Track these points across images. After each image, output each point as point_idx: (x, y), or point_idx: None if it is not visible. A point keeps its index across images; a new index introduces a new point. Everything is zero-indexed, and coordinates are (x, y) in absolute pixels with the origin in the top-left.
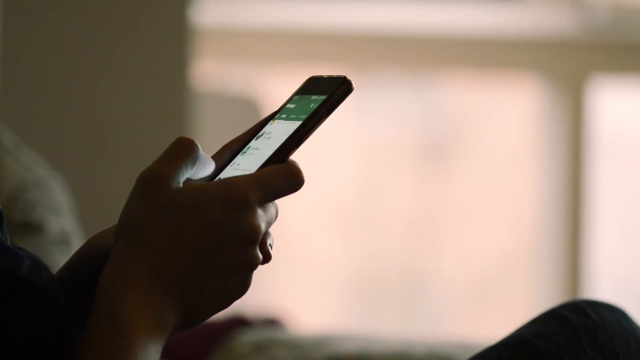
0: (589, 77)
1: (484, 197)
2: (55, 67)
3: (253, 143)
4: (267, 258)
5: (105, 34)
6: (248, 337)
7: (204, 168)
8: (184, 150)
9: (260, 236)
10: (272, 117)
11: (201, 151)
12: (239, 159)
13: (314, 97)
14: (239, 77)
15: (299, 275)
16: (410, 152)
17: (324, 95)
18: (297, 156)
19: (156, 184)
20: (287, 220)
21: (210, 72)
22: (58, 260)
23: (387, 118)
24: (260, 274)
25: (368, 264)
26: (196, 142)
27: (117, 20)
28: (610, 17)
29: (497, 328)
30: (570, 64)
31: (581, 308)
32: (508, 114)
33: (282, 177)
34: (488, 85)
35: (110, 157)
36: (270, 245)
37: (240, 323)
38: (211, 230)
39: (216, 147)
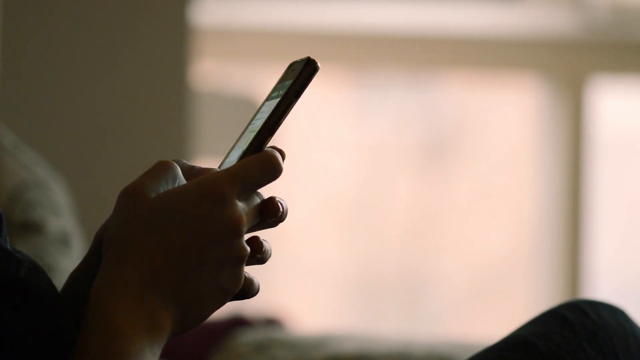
0: (589, 77)
1: (484, 197)
2: (55, 67)
3: (244, 133)
4: (259, 250)
5: (105, 34)
6: (248, 337)
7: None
8: (164, 168)
9: (244, 227)
10: (262, 105)
11: (180, 172)
12: (232, 152)
13: (287, 82)
14: (239, 77)
15: (299, 275)
16: (410, 152)
17: (292, 79)
18: (296, 156)
19: (136, 196)
20: (286, 220)
21: (210, 72)
22: (58, 260)
23: (387, 118)
24: (260, 274)
25: (368, 264)
26: (174, 163)
27: (117, 20)
28: (610, 17)
29: (497, 328)
30: (570, 64)
31: (581, 308)
32: (508, 114)
33: (257, 166)
34: (488, 85)
35: (110, 157)
36: (261, 239)
37: (240, 323)
38: (193, 227)
39: (216, 147)
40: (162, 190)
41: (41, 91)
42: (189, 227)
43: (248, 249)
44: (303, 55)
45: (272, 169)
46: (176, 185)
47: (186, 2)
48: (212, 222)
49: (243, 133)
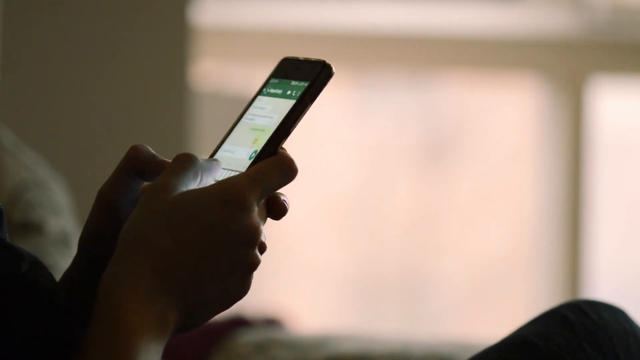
0: (589, 77)
1: (484, 197)
2: (55, 67)
3: (239, 127)
4: (262, 251)
5: (105, 34)
6: (248, 337)
7: (210, 173)
8: (182, 165)
9: (260, 236)
10: (253, 100)
11: (200, 160)
12: (227, 145)
13: (293, 82)
14: (239, 77)
15: (299, 275)
16: (410, 152)
17: (305, 81)
18: (296, 156)
19: (157, 193)
20: (286, 220)
21: (210, 72)
22: (58, 260)
23: (387, 118)
24: (260, 274)
25: (368, 264)
26: (194, 154)
27: (117, 21)
28: (610, 17)
29: (497, 328)
30: (570, 64)
31: (581, 308)
32: (508, 114)
33: (276, 171)
34: (488, 85)
35: (111, 157)
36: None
37: (240, 323)
38: (212, 231)
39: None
40: (184, 188)
41: (41, 91)
42: (208, 228)
43: (260, 258)
44: (301, 53)
45: (289, 172)
46: (199, 178)
47: (186, 2)
48: (231, 228)
49: (235, 125)
